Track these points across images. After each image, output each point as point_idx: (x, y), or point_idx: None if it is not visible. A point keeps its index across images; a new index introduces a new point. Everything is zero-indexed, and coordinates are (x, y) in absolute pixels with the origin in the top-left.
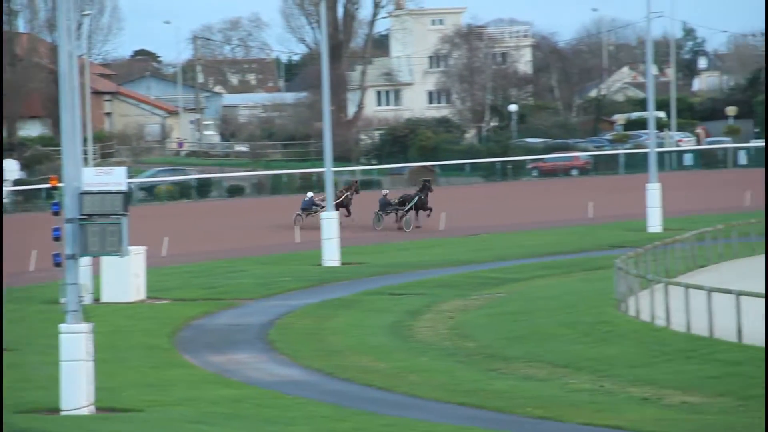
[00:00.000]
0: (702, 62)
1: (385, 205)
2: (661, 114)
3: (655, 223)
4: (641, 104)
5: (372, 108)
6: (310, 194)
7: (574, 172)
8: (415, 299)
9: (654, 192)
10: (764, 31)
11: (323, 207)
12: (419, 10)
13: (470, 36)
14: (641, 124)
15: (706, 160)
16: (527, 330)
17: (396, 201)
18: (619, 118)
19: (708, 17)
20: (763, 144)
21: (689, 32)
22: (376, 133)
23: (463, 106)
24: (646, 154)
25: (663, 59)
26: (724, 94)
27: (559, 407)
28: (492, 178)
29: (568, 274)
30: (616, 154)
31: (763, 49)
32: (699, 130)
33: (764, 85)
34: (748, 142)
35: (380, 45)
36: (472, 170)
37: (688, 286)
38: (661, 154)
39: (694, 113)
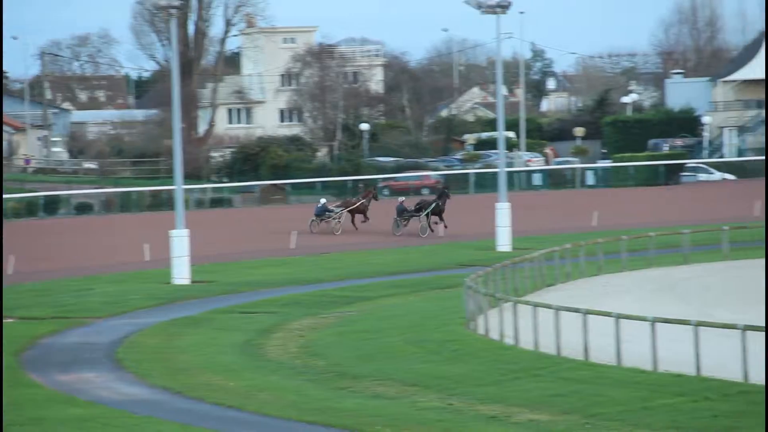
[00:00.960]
0: (551, 83)
1: (402, 212)
2: (511, 134)
3: (504, 242)
4: (491, 124)
5: (223, 126)
6: (323, 200)
7: (425, 191)
8: (265, 318)
9: (503, 211)
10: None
11: (337, 213)
12: (271, 29)
13: (322, 55)
14: (491, 143)
15: (555, 180)
16: (377, 348)
17: (413, 207)
18: (470, 138)
19: (556, 39)
20: (610, 164)
21: (538, 53)
22: (227, 151)
23: (315, 124)
24: (495, 173)
25: (512, 80)
26: (573, 115)
27: (407, 425)
28: (343, 197)
29: (417, 293)
30: (467, 174)
31: (606, 71)
32: (548, 151)
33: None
34: (595, 162)
35: (232, 63)
36: (323, 188)
37: (536, 305)
38: (510, 174)
39: (543, 133)
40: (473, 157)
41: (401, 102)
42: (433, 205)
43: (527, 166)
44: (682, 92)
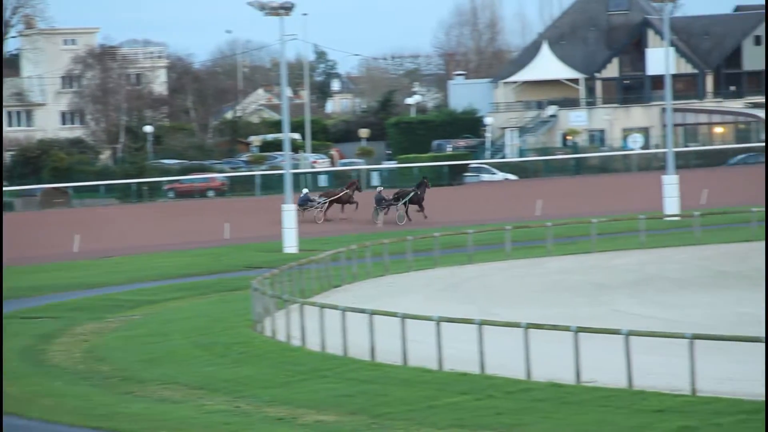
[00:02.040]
0: (335, 85)
1: (380, 201)
2: (296, 136)
3: (291, 243)
4: (277, 126)
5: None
6: (305, 191)
7: (211, 193)
8: (48, 323)
9: (290, 213)
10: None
11: (319, 203)
12: (51, 30)
13: (103, 56)
14: (277, 145)
15: (341, 181)
16: (162, 352)
17: (391, 197)
18: (255, 140)
19: (340, 41)
20: (394, 165)
21: (322, 55)
22: (7, 154)
23: (98, 127)
24: (281, 175)
25: (297, 81)
26: (357, 117)
27: (193, 429)
28: (128, 200)
29: (204, 296)
30: (253, 176)
31: (390, 73)
32: (333, 152)
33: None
34: (380, 163)
35: (11, 64)
36: (107, 192)
37: (322, 306)
38: (296, 176)
39: (328, 135)
40: (259, 159)
41: (185, 104)
42: (411, 194)
43: (313, 167)
44: (465, 93)
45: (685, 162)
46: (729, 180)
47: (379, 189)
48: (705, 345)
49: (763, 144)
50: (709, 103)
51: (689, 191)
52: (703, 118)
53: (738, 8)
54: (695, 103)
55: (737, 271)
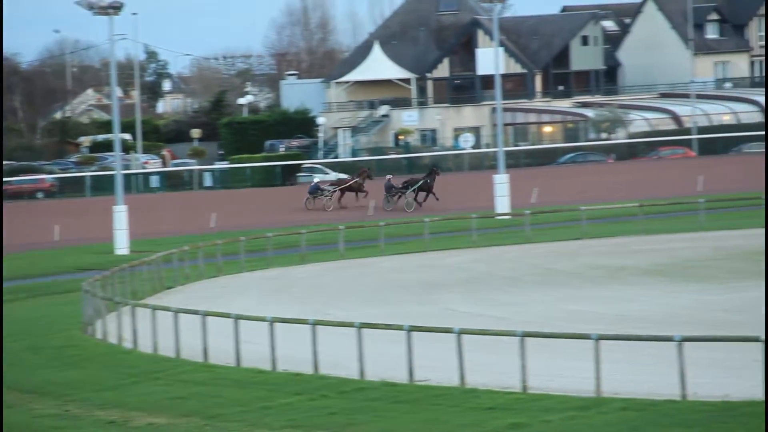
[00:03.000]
0: (166, 85)
1: (389, 189)
2: (127, 136)
3: (122, 245)
4: (107, 126)
5: None
6: (316, 179)
7: (40, 194)
8: None
9: (121, 214)
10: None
11: (329, 191)
12: None
13: None
14: (107, 146)
15: (173, 182)
16: None
17: (401, 185)
18: (85, 141)
19: (171, 40)
20: (227, 165)
21: (152, 55)
22: None
23: None
24: (112, 176)
25: (127, 81)
26: (189, 117)
27: None
28: None
29: (34, 298)
30: (83, 177)
31: (221, 73)
32: (165, 152)
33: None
34: (212, 163)
35: None
36: None
37: (154, 308)
38: (127, 177)
39: (160, 135)
40: (89, 159)
41: (13, 104)
42: (420, 182)
43: (144, 168)
44: (297, 93)
45: (515, 161)
46: (559, 178)
47: (388, 177)
48: (536, 342)
49: (591, 142)
50: (539, 102)
51: (520, 190)
52: (532, 117)
53: (565, 9)
54: (525, 103)
55: (567, 269)
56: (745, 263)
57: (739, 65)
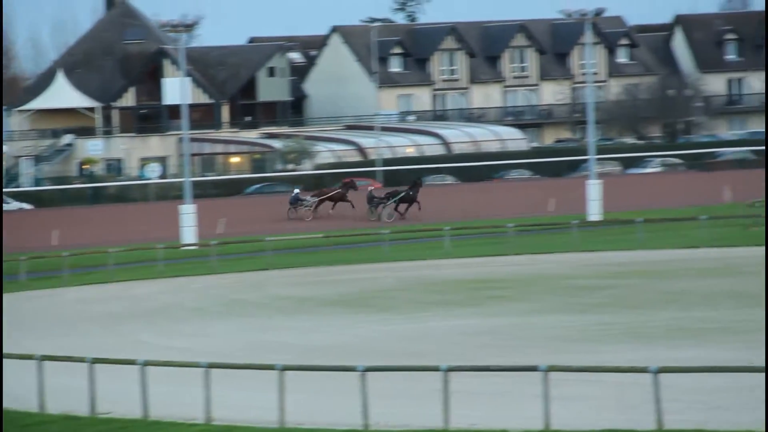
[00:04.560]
0: None
1: (371, 199)
2: None
3: None
4: None
5: None
6: (296, 190)
7: None
8: None
9: None
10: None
11: (309, 201)
12: None
13: None
14: None
15: None
16: None
17: (383, 196)
18: None
19: None
20: None
21: None
22: None
23: None
24: None
25: None
26: None
27: None
28: None
29: None
30: None
31: None
32: None
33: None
34: None
35: None
36: None
37: None
38: None
39: None
40: None
41: None
42: (402, 194)
43: None
44: None
45: (202, 191)
46: (246, 209)
47: (370, 188)
48: (221, 373)
49: (278, 173)
50: (226, 132)
51: (207, 220)
52: (219, 147)
53: (252, 39)
54: (212, 133)
55: (253, 300)
56: (426, 294)
57: (422, 98)
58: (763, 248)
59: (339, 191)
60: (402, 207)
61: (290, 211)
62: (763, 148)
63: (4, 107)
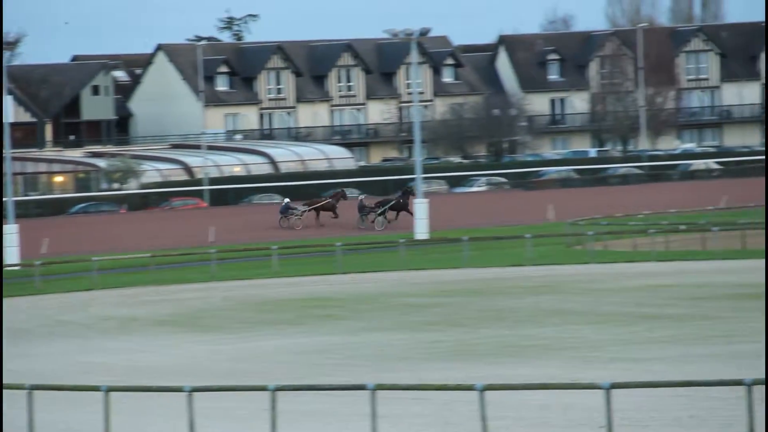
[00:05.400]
0: None
1: (362, 208)
2: None
3: None
4: None
5: None
6: (286, 200)
7: None
8: None
9: None
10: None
11: (299, 211)
12: None
13: None
14: None
15: None
16: None
17: (373, 204)
18: None
19: None
20: None
21: None
22: None
23: None
24: None
25: None
26: None
27: None
28: None
29: None
30: None
31: None
32: None
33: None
34: None
35: None
36: None
37: None
38: None
39: None
40: None
41: None
42: (393, 202)
43: None
44: None
45: (25, 211)
46: (70, 229)
47: (360, 197)
48: (45, 395)
49: (102, 193)
50: (49, 152)
51: (30, 241)
52: (43, 167)
53: (75, 58)
54: (35, 152)
55: (78, 321)
56: (254, 313)
57: (249, 117)
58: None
59: (329, 201)
60: (392, 214)
61: (282, 221)
62: (584, 167)
63: None
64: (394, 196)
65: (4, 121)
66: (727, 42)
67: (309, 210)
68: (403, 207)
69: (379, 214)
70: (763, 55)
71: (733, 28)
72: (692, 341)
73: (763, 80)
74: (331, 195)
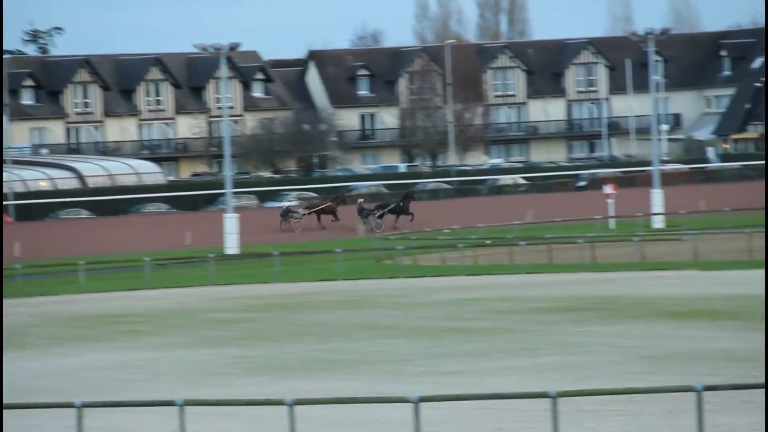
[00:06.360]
0: None
1: (361, 211)
2: None
3: None
4: None
5: None
6: (286, 204)
7: None
8: None
9: None
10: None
11: (299, 214)
12: None
13: None
14: None
15: None
16: None
17: (373, 207)
18: None
19: None
20: None
21: None
22: None
23: None
24: None
25: None
26: None
27: None
28: None
29: None
30: None
31: None
32: None
33: None
34: None
35: None
36: None
37: None
38: None
39: None
40: None
41: None
42: (392, 205)
43: None
44: None
45: None
46: None
47: (360, 201)
48: None
49: None
50: None
51: None
52: None
53: None
54: None
55: None
56: (60, 329)
57: (56, 132)
58: None
59: (330, 204)
60: (391, 218)
61: (282, 223)
62: (393, 182)
63: None
64: (394, 200)
65: None
66: (533, 59)
67: (309, 213)
68: (403, 210)
69: (379, 217)
70: (567, 72)
71: (539, 45)
72: (499, 354)
73: (609, 95)
74: (332, 199)
